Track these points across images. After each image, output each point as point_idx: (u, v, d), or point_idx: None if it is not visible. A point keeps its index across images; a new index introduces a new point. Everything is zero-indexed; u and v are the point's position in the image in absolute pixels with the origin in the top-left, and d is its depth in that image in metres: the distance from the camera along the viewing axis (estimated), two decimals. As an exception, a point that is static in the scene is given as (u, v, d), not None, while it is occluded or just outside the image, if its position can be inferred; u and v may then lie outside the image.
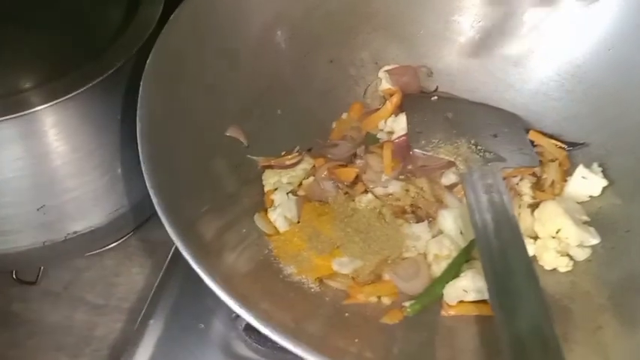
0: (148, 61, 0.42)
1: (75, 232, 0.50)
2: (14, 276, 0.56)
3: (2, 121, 0.43)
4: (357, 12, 0.57)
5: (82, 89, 0.44)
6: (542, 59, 0.56)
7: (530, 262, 0.41)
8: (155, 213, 0.37)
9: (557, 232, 0.47)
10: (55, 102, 0.43)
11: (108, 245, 0.58)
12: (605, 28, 0.52)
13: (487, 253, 0.41)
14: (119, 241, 0.58)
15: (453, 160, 0.49)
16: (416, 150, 0.50)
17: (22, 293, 0.57)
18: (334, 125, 0.56)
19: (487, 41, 0.57)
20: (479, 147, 0.50)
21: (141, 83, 0.41)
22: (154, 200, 0.36)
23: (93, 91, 0.45)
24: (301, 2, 0.54)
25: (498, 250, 0.41)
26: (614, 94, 0.52)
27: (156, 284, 0.52)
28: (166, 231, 0.36)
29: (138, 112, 0.40)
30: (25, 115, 0.43)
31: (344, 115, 0.56)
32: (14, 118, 0.43)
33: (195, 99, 0.46)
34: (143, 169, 0.37)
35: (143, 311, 0.51)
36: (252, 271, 0.42)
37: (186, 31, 0.45)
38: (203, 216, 0.42)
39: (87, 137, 0.48)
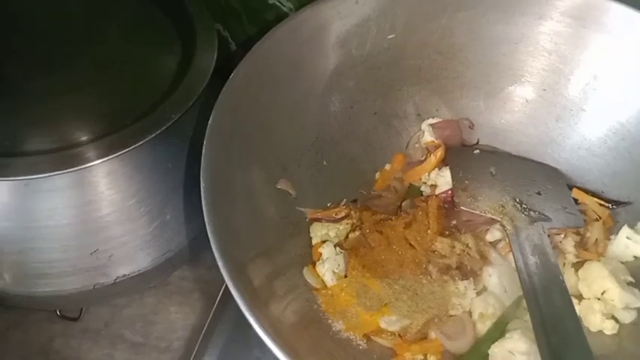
0: (210, 120, 0.44)
1: (124, 276, 0.51)
2: (58, 312, 0.57)
3: (60, 174, 0.44)
4: (401, 66, 0.58)
5: (137, 144, 0.45)
6: (588, 119, 0.56)
7: (582, 331, 0.41)
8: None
9: (602, 294, 0.48)
10: (110, 157, 0.45)
11: (151, 285, 0.59)
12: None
13: (538, 319, 0.41)
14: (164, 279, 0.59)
15: (499, 219, 0.49)
16: (462, 207, 0.50)
17: (63, 329, 0.58)
18: (377, 176, 0.57)
19: (528, 97, 0.58)
20: (524, 205, 0.51)
21: (204, 142, 0.42)
22: (213, 244, 0.37)
23: (147, 144, 0.46)
24: (350, 57, 0.55)
25: (550, 316, 0.41)
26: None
27: (205, 327, 0.53)
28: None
29: (202, 170, 0.41)
30: (80, 169, 0.45)
31: (387, 166, 0.57)
32: (70, 172, 0.44)
33: (250, 153, 0.47)
34: (205, 216, 0.38)
35: (194, 353, 0.52)
36: (300, 324, 0.43)
37: (244, 88, 0.47)
38: (254, 263, 0.43)
39: (138, 186, 0.50)
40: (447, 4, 0.55)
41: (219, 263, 0.38)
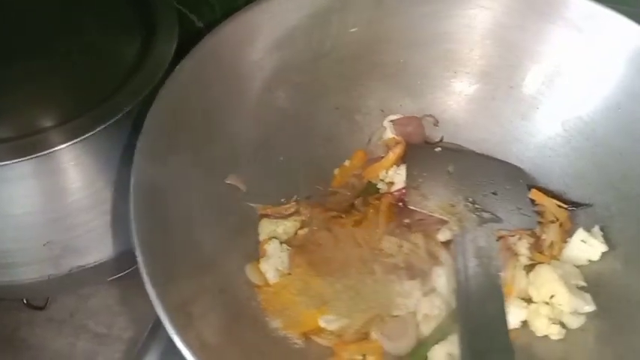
0: (150, 109, 0.44)
1: (79, 267, 0.52)
2: (24, 301, 0.58)
3: (15, 162, 0.45)
4: (365, 61, 0.57)
5: (88, 134, 0.46)
6: (550, 114, 0.55)
7: (510, 345, 0.40)
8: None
9: (550, 298, 0.47)
10: (66, 145, 0.45)
11: (114, 276, 0.59)
12: (613, 88, 0.51)
13: (465, 324, 0.40)
14: (127, 271, 0.59)
15: (446, 219, 0.48)
16: (410, 206, 0.50)
17: (30, 318, 0.59)
18: (336, 172, 0.56)
19: (494, 93, 0.57)
20: (476, 205, 0.50)
21: (141, 132, 0.42)
22: (138, 255, 0.37)
23: (101, 134, 0.46)
24: (309, 51, 0.55)
25: (479, 323, 0.40)
26: (621, 155, 0.51)
27: (154, 320, 0.53)
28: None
29: (135, 162, 0.41)
30: (36, 157, 0.45)
31: (346, 162, 0.57)
32: (27, 159, 0.45)
33: (195, 148, 0.47)
34: (132, 217, 0.38)
35: (139, 346, 0.52)
36: (234, 324, 0.43)
37: (189, 83, 0.46)
38: (186, 266, 0.42)
39: (93, 177, 0.50)
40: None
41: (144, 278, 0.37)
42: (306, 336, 0.45)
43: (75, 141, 0.45)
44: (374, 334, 0.45)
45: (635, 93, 0.51)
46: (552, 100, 0.55)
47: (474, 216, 0.49)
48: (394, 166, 0.55)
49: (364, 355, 0.45)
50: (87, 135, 0.45)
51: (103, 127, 0.46)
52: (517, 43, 0.54)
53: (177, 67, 0.47)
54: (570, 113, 0.54)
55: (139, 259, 0.37)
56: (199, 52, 0.47)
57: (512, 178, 0.54)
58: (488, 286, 0.43)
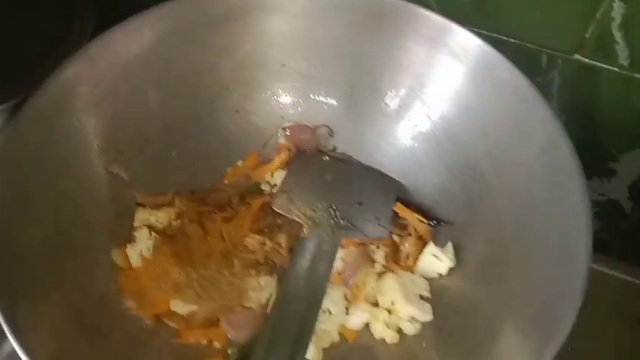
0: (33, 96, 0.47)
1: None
2: None
3: None
4: (266, 68, 0.60)
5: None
6: (429, 134, 0.58)
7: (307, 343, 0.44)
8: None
9: (392, 305, 0.50)
10: None
11: None
12: (484, 117, 0.54)
13: (274, 322, 0.45)
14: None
15: (301, 222, 0.52)
16: (274, 207, 0.53)
17: None
18: (228, 171, 0.60)
19: (385, 110, 0.60)
20: (337, 212, 0.53)
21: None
22: None
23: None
24: (212, 54, 0.58)
25: (287, 325, 0.45)
26: (484, 176, 0.54)
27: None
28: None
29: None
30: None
31: (239, 162, 0.60)
32: None
33: (76, 138, 0.50)
34: None
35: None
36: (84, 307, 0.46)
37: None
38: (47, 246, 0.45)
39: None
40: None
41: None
42: (156, 318, 0.49)
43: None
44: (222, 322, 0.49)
45: (501, 123, 0.53)
46: (430, 121, 0.58)
47: (331, 222, 0.52)
48: (279, 170, 0.58)
49: (210, 340, 0.48)
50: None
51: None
52: (410, 68, 0.57)
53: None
54: (447, 132, 0.57)
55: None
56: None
57: (385, 190, 0.57)
58: (312, 287, 0.46)
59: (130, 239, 0.52)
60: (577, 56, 0.58)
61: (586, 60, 0.58)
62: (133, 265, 0.50)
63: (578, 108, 0.63)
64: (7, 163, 0.44)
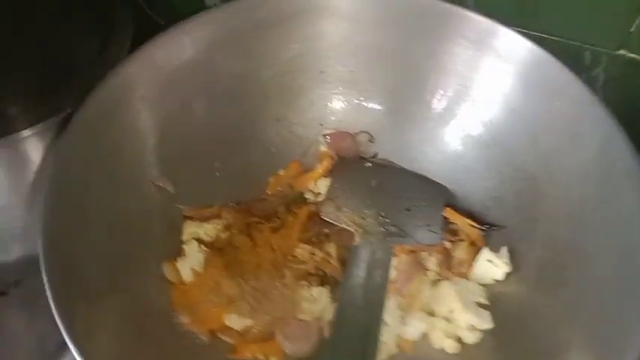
0: (78, 111, 0.47)
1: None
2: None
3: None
4: (307, 74, 0.60)
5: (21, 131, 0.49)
6: (477, 139, 0.57)
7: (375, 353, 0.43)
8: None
9: (450, 313, 0.49)
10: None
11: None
12: (534, 119, 0.53)
13: (338, 336, 0.43)
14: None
15: (351, 230, 0.51)
16: (322, 216, 0.52)
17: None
18: (270, 180, 0.59)
19: (429, 114, 0.59)
20: (386, 219, 0.52)
21: (64, 133, 0.45)
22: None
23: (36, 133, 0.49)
24: (253, 61, 0.57)
25: (350, 337, 0.43)
26: (535, 181, 0.53)
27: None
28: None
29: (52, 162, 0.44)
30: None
31: (281, 172, 0.59)
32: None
33: (121, 153, 0.50)
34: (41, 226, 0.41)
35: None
36: (141, 320, 0.45)
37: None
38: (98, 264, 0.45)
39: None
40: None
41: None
42: (211, 333, 0.48)
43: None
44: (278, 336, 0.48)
45: (554, 127, 0.52)
46: (483, 130, 0.56)
47: (381, 229, 0.51)
48: (322, 178, 0.58)
49: (266, 355, 0.47)
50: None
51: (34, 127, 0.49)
52: (455, 70, 0.56)
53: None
54: (495, 139, 0.56)
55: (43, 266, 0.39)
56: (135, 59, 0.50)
57: (433, 196, 0.56)
58: (370, 296, 0.45)
59: (180, 253, 0.51)
60: (622, 52, 0.57)
61: (632, 55, 0.57)
62: (185, 280, 0.50)
63: (623, 104, 0.62)
64: (61, 173, 0.44)
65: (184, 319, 0.47)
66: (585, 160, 0.50)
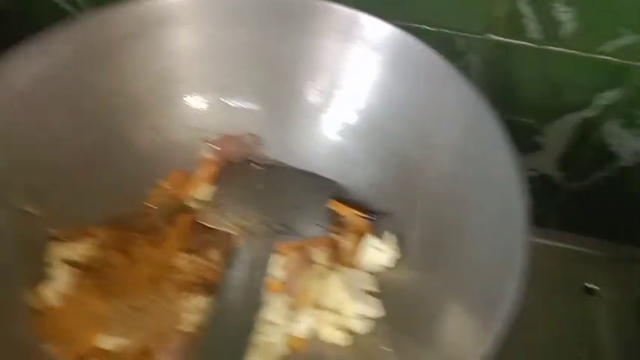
0: None
1: None
2: None
3: None
4: (179, 82, 0.58)
5: None
6: (355, 128, 0.57)
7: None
8: None
9: (339, 304, 0.48)
10: None
11: None
12: (406, 103, 0.53)
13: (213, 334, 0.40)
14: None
15: (234, 233, 0.49)
16: (203, 222, 0.50)
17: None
18: (152, 193, 0.56)
19: (307, 109, 0.58)
20: (272, 219, 0.51)
21: None
22: None
23: None
24: (121, 72, 0.55)
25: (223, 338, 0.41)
26: (414, 163, 0.53)
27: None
28: None
29: None
30: None
31: (161, 182, 0.57)
32: None
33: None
34: None
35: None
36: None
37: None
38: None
39: None
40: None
41: None
42: (81, 358, 0.44)
43: None
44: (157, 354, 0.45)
45: (428, 109, 0.53)
46: (361, 120, 0.56)
47: (266, 229, 0.50)
48: (207, 185, 0.55)
49: (146, 375, 0.44)
50: None
51: None
52: (325, 64, 0.56)
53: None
54: (369, 125, 0.56)
55: None
56: None
57: (319, 191, 0.55)
58: (251, 297, 0.44)
59: (45, 277, 0.47)
60: (489, 35, 0.59)
61: (499, 38, 0.59)
62: (52, 305, 0.46)
63: (497, 87, 0.64)
64: None
65: (51, 348, 0.44)
66: (457, 139, 0.50)
